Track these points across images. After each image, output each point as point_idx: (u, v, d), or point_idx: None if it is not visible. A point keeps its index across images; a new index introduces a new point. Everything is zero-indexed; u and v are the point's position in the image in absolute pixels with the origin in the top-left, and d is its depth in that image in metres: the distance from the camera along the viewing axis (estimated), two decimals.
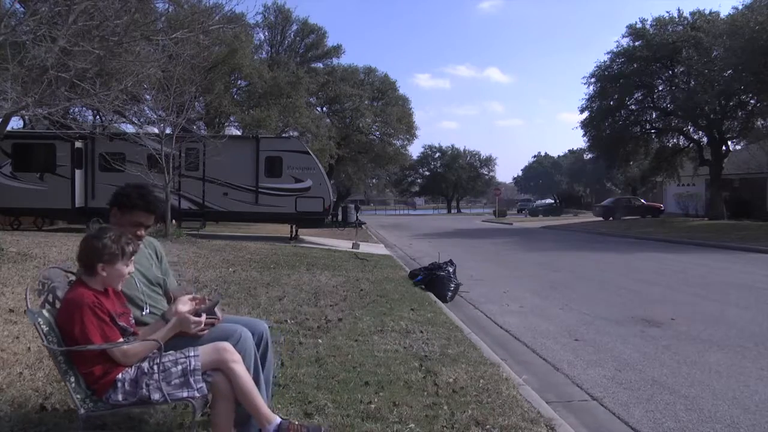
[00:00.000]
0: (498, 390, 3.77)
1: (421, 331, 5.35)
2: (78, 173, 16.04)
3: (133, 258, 2.59)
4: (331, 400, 3.41)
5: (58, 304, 2.58)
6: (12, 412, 3.03)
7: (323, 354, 4.41)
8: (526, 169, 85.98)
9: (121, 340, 2.44)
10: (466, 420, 3.22)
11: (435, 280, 8.34)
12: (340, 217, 26.93)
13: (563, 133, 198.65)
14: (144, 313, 2.83)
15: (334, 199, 24.70)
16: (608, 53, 30.89)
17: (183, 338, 2.64)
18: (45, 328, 2.39)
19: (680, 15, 28.98)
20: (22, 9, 9.76)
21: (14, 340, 4.31)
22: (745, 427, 3.53)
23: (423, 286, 8.32)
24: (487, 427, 3.16)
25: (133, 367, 2.43)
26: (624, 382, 4.41)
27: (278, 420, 2.57)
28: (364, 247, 14.80)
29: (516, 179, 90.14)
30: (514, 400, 3.60)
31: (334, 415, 3.18)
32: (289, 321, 5.53)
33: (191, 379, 2.42)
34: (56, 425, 2.88)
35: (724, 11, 35.41)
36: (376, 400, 3.44)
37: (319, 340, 4.81)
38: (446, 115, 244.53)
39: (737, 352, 5.24)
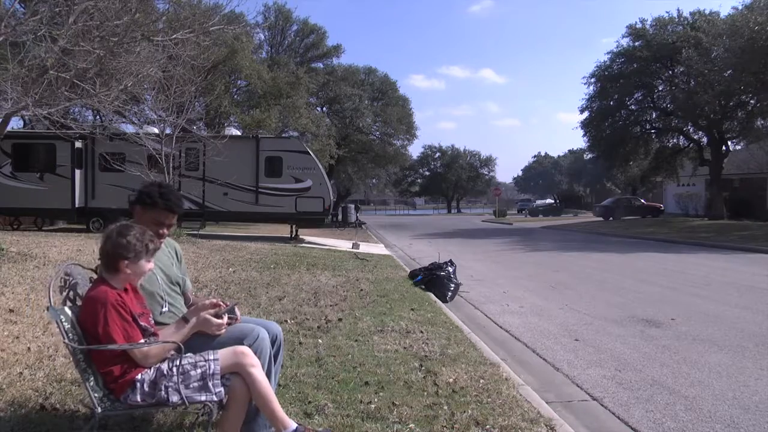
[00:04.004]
0: (498, 390, 3.77)
1: (421, 331, 5.35)
2: (78, 173, 16.05)
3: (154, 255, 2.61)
4: (331, 400, 3.41)
5: (79, 302, 2.57)
6: (12, 412, 3.03)
7: (323, 354, 4.41)
8: (526, 169, 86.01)
9: (143, 340, 2.44)
10: (466, 420, 3.22)
11: (435, 280, 8.34)
12: (340, 217, 27.03)
13: (562, 133, 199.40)
14: (163, 310, 2.84)
15: (334, 199, 24.71)
16: (608, 53, 31.07)
17: (201, 338, 2.65)
18: (66, 326, 2.38)
19: (680, 15, 29.06)
20: (22, 9, 9.76)
21: (14, 340, 4.31)
22: (745, 427, 3.53)
23: (423, 286, 8.32)
24: (487, 427, 3.16)
25: (152, 369, 2.44)
26: (624, 382, 4.41)
27: (294, 425, 2.57)
28: (364, 247, 14.80)
29: (516, 179, 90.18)
30: (514, 400, 3.60)
31: (334, 415, 3.18)
32: (289, 321, 5.53)
33: (210, 383, 2.43)
34: (56, 425, 2.88)
35: (724, 11, 35.44)
36: (376, 400, 3.44)
37: (319, 340, 4.81)
38: (443, 116, 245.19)
39: (737, 352, 5.24)
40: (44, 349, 4.10)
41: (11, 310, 5.12)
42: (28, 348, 4.12)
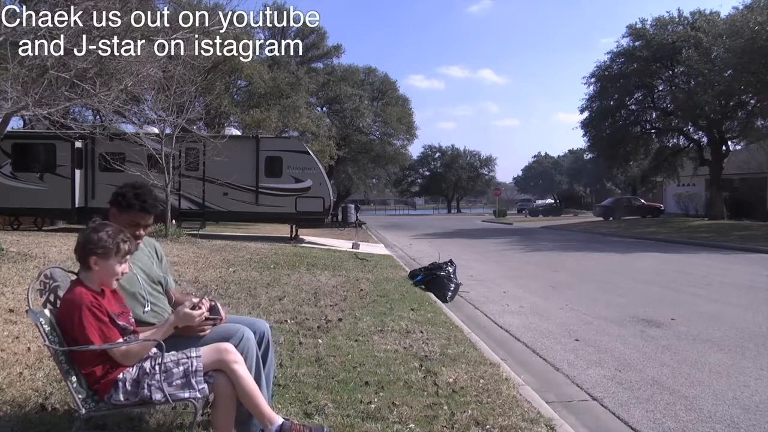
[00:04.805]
0: (498, 390, 3.77)
1: (421, 331, 5.35)
2: (78, 173, 16.04)
3: (128, 258, 2.57)
4: (331, 400, 3.41)
5: (59, 304, 2.58)
6: (12, 412, 3.03)
7: (323, 354, 4.41)
8: (526, 169, 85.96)
9: (121, 340, 2.44)
10: (466, 420, 3.22)
11: (435, 280, 8.34)
12: (340, 217, 27.03)
13: (561, 133, 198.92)
14: (145, 310, 2.83)
15: (334, 199, 24.70)
16: (608, 53, 31.01)
17: (185, 338, 2.65)
18: (47, 328, 2.39)
19: (680, 15, 29.03)
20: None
21: (14, 340, 4.31)
22: (745, 427, 3.53)
23: (423, 286, 8.32)
24: (487, 427, 3.16)
25: (134, 367, 2.44)
26: (624, 382, 4.41)
27: (280, 420, 2.57)
28: (364, 247, 14.80)
29: (516, 179, 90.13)
30: (514, 400, 3.61)
31: (334, 415, 3.18)
32: (289, 321, 5.53)
33: (193, 380, 2.43)
34: (56, 425, 2.88)
35: (724, 11, 35.39)
36: (376, 400, 3.44)
37: (319, 340, 4.81)
38: (443, 116, 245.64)
39: (737, 352, 5.24)
40: (44, 349, 4.09)
41: (11, 310, 5.12)
42: (28, 348, 4.12)
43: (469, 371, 4.15)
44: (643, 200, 38.27)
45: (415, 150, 75.88)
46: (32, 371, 3.65)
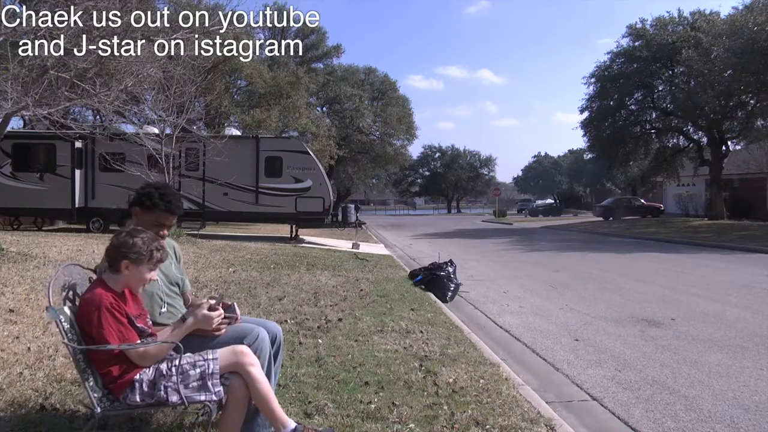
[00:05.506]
0: (498, 390, 3.77)
1: (421, 331, 5.35)
2: (78, 173, 16.04)
3: (158, 266, 2.59)
4: (331, 400, 3.41)
5: (78, 301, 2.58)
6: (12, 412, 3.03)
7: (323, 354, 4.41)
8: (526, 169, 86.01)
9: (139, 341, 2.45)
10: (466, 420, 3.22)
11: (435, 280, 8.34)
12: (340, 217, 27.04)
13: (560, 133, 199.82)
14: (162, 311, 2.84)
15: (334, 199, 24.69)
16: (608, 53, 31.06)
17: (201, 338, 2.65)
18: (66, 326, 2.40)
19: (680, 15, 29.07)
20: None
21: (14, 340, 4.31)
22: (745, 427, 3.53)
23: (423, 286, 8.32)
24: (487, 427, 3.16)
25: (151, 369, 2.44)
26: (624, 382, 4.41)
27: (293, 424, 2.58)
28: (364, 247, 14.80)
29: (516, 179, 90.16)
30: (514, 400, 3.61)
31: (334, 415, 3.18)
32: (289, 321, 5.53)
33: (209, 383, 2.43)
34: (56, 425, 2.88)
35: (724, 11, 35.45)
36: (376, 400, 3.44)
37: (319, 340, 4.81)
38: (442, 116, 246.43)
39: (737, 352, 5.24)
40: (44, 349, 4.10)
41: (11, 310, 5.12)
42: (28, 348, 4.12)
43: (469, 371, 4.15)
44: (643, 200, 38.29)
45: (415, 150, 75.87)
46: (32, 371, 3.65)
